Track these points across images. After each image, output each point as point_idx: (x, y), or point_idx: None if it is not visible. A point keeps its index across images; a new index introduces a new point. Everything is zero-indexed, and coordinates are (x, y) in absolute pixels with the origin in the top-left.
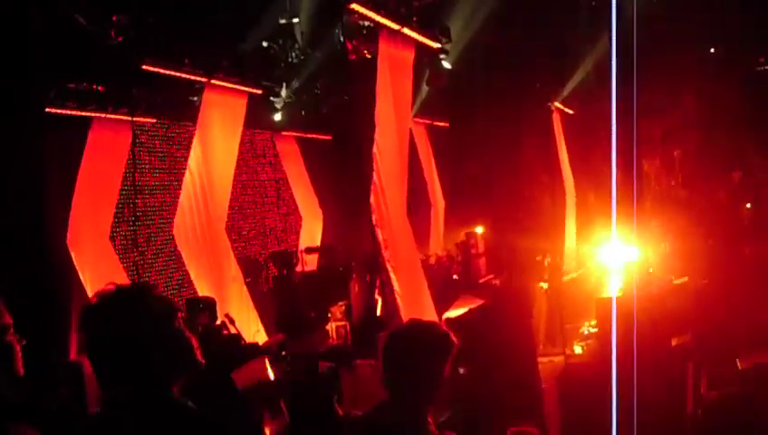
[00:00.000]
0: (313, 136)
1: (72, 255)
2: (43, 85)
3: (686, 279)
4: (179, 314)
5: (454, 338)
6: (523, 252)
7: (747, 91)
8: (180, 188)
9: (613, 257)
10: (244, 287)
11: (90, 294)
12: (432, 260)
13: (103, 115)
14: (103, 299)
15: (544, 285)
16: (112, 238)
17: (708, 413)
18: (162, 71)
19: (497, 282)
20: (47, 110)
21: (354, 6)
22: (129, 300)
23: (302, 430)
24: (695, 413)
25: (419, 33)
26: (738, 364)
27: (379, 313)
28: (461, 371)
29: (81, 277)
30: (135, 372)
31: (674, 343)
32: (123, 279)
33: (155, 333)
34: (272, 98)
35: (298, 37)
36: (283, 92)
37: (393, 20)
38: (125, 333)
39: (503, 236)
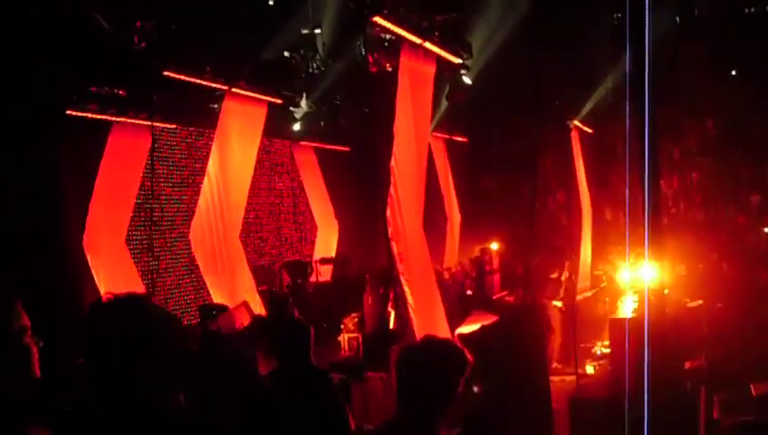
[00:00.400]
0: (332, 147)
1: (88, 257)
2: (64, 88)
3: (700, 302)
4: (178, 324)
5: (469, 356)
6: (537, 269)
7: (767, 114)
8: (197, 195)
9: (628, 278)
10: (257, 295)
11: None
12: (446, 275)
13: (123, 119)
14: (102, 307)
15: (558, 304)
16: (128, 242)
17: None
18: (183, 77)
19: (511, 299)
20: (68, 112)
21: (377, 19)
22: (127, 308)
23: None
24: None
25: (441, 48)
26: (752, 391)
27: (392, 326)
28: (475, 389)
29: (96, 280)
30: (131, 379)
31: (687, 366)
32: (137, 283)
33: (152, 341)
34: (291, 108)
35: (319, 48)
36: (303, 103)
37: (415, 34)
38: (122, 341)
39: (518, 253)
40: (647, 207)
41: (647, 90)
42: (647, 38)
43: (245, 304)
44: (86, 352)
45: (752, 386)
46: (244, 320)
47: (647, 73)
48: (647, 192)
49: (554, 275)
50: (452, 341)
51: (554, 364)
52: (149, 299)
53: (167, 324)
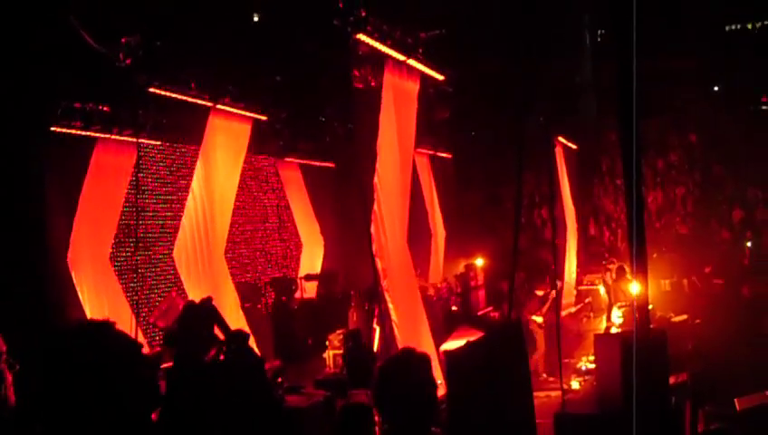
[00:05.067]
0: (317, 163)
1: (72, 274)
2: (48, 104)
3: (685, 317)
4: (139, 350)
5: (431, 363)
6: (522, 285)
7: (750, 130)
8: (182, 211)
9: (614, 293)
10: (241, 312)
11: (88, 313)
12: (431, 291)
13: (108, 136)
14: (62, 336)
15: (539, 319)
16: (113, 259)
17: None
18: (168, 94)
19: (496, 314)
20: (52, 129)
21: (360, 37)
22: (88, 337)
23: None
24: None
25: (425, 65)
26: (736, 405)
27: (377, 342)
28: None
29: (80, 296)
30: (92, 406)
31: (671, 381)
32: (121, 300)
33: (113, 370)
34: (276, 124)
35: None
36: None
37: (399, 51)
38: (80, 369)
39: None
40: (633, 222)
41: (632, 106)
42: (633, 54)
43: (176, 292)
44: (45, 381)
45: (736, 401)
46: (178, 308)
47: (633, 89)
48: (633, 208)
49: (540, 293)
50: (410, 350)
51: (543, 375)
52: (112, 326)
53: (129, 351)
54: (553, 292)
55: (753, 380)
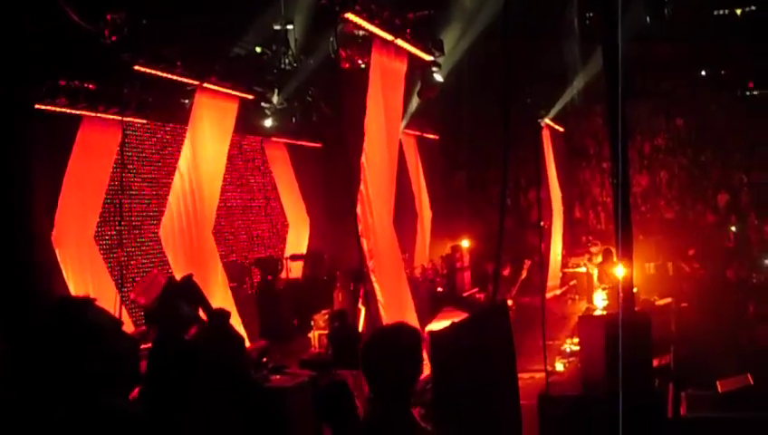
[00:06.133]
0: (303, 143)
1: (57, 252)
2: (33, 81)
3: (669, 300)
4: (121, 327)
5: (423, 335)
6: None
7: (736, 115)
8: (168, 190)
9: (599, 276)
10: (229, 292)
11: (72, 291)
12: (417, 272)
13: (93, 114)
14: (45, 310)
15: (508, 302)
16: (97, 237)
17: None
18: (155, 72)
19: (482, 296)
20: (36, 106)
21: (348, 16)
22: (68, 311)
23: None
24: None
25: (412, 45)
26: (718, 387)
27: (362, 322)
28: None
29: (65, 275)
30: (73, 381)
31: (655, 363)
32: (106, 278)
33: (93, 343)
34: (263, 103)
35: (292, 44)
36: (275, 98)
37: (387, 30)
38: (63, 343)
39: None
40: (619, 206)
41: (618, 90)
42: (619, 38)
43: (158, 269)
44: (29, 354)
45: (718, 383)
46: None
47: (619, 73)
48: (620, 192)
49: (506, 273)
50: (403, 323)
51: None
52: (93, 302)
53: (109, 327)
54: (523, 273)
55: (736, 362)
